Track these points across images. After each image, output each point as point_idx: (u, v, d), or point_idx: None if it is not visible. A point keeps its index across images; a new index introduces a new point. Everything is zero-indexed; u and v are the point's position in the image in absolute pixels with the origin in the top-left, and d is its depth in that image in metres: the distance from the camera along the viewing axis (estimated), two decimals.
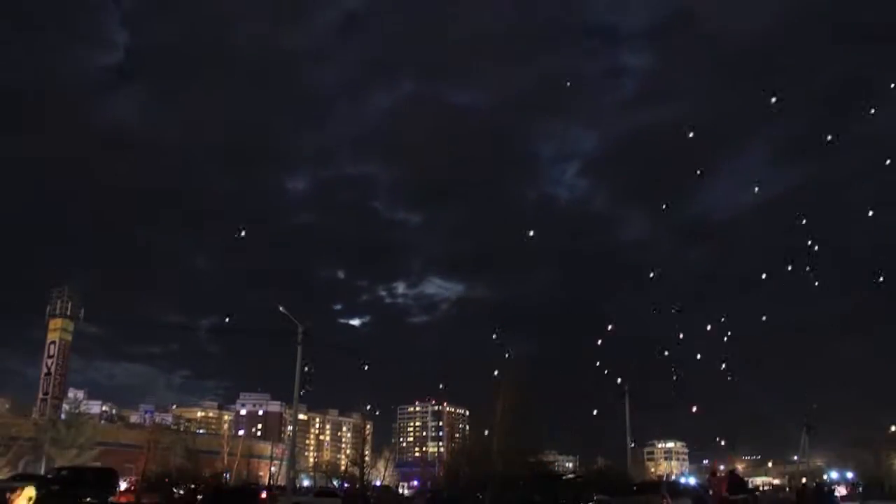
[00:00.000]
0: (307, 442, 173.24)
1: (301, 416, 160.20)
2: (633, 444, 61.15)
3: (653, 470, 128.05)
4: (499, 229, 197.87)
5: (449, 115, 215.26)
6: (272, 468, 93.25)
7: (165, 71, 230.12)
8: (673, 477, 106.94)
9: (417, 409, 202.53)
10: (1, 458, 53.64)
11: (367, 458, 71.91)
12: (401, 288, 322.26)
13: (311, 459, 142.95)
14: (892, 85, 28.96)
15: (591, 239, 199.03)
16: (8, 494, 15.05)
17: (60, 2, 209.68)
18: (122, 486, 48.64)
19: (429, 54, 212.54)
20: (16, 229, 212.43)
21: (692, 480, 52.23)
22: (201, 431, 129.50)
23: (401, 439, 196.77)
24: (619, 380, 53.15)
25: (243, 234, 36.95)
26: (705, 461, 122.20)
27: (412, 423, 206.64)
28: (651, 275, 38.73)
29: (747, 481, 30.18)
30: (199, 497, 46.86)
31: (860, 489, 60.50)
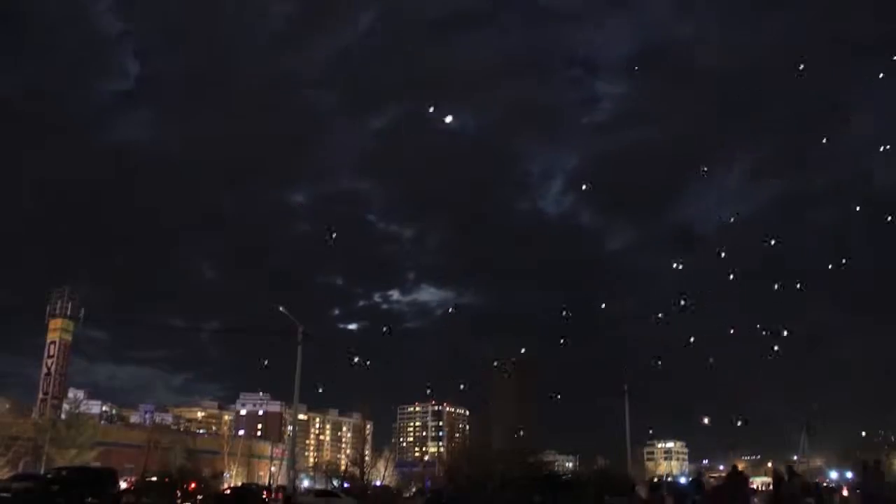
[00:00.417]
0: (307, 442, 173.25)
1: (301, 416, 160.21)
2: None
3: (655, 471, 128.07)
4: (488, 240, 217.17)
5: (439, 137, 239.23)
6: (272, 468, 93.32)
7: (173, 95, 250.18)
8: (670, 479, 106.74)
9: (417, 409, 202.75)
10: (1, 458, 53.62)
11: (367, 458, 71.93)
12: (395, 295, 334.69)
13: (312, 460, 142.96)
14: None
15: (576, 248, 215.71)
16: None
17: (82, 39, 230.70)
18: (122, 485, 48.59)
19: (421, 81, 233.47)
20: (17, 231, 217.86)
21: (682, 480, 52.03)
22: (201, 431, 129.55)
23: (401, 439, 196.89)
24: (619, 381, 53.25)
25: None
26: (705, 461, 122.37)
27: (412, 424, 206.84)
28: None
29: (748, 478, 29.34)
30: (199, 497, 46.90)
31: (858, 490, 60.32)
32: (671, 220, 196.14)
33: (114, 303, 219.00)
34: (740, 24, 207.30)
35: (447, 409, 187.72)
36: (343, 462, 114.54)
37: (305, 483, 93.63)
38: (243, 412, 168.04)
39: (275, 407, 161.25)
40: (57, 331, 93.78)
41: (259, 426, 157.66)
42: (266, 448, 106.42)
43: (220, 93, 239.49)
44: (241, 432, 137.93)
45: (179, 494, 45.75)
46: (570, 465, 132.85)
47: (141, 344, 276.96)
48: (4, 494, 31.71)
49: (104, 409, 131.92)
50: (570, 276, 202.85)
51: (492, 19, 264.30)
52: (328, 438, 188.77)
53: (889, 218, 29.32)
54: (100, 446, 66.01)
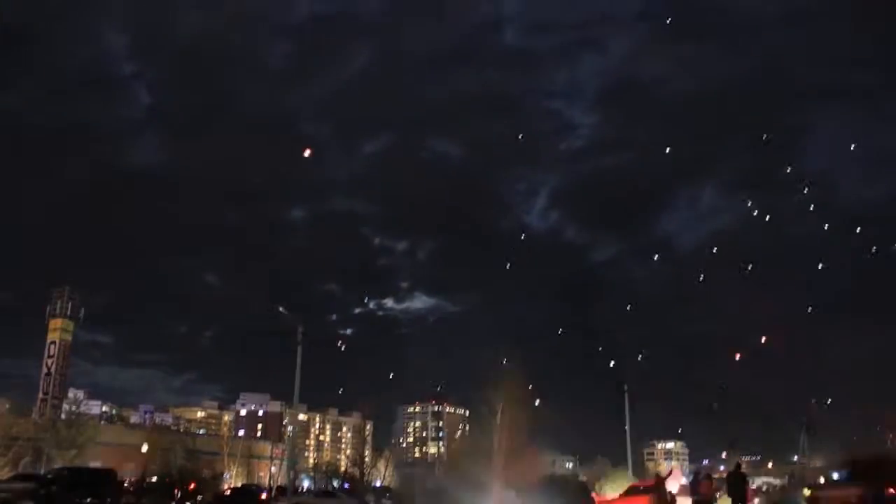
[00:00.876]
0: (307, 442, 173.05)
1: (301, 416, 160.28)
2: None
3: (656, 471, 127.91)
4: (477, 252, 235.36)
5: (428, 161, 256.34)
6: (272, 468, 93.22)
7: (181, 123, 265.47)
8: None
9: (417, 409, 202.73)
10: (1, 458, 53.58)
11: (367, 459, 71.96)
12: (390, 303, 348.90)
13: (311, 460, 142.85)
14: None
15: (561, 261, 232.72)
16: None
17: (100, 73, 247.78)
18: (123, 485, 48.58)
19: (412, 111, 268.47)
20: (19, 234, 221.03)
21: (683, 480, 52.00)
22: (201, 432, 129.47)
23: (401, 440, 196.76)
24: (619, 381, 53.28)
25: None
26: (705, 461, 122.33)
27: (412, 424, 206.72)
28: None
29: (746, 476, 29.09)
30: (199, 498, 46.97)
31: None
32: (651, 235, 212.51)
33: (116, 306, 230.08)
34: (706, 62, 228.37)
35: (447, 409, 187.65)
36: (343, 462, 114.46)
37: (306, 483, 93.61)
38: (243, 412, 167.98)
39: (275, 407, 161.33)
40: (57, 331, 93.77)
41: (259, 426, 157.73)
42: (266, 448, 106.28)
43: (224, 121, 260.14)
44: (241, 433, 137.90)
45: (179, 495, 45.82)
46: (570, 465, 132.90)
47: (143, 346, 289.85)
48: (4, 494, 31.75)
49: (104, 409, 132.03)
50: (554, 286, 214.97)
51: (470, 59, 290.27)
52: (328, 438, 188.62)
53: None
54: (100, 446, 65.99)
